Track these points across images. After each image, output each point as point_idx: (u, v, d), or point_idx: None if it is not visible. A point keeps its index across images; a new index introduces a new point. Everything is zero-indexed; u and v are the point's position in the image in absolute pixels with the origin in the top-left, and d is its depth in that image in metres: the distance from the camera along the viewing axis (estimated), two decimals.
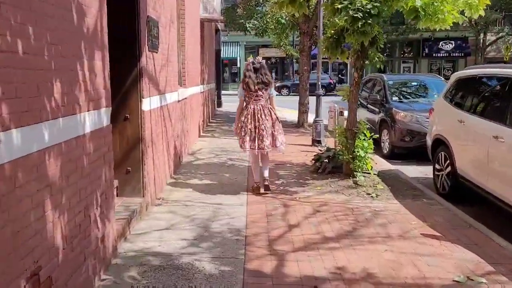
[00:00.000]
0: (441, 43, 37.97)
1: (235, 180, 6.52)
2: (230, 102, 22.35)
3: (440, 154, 6.37)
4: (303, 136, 11.13)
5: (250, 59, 6.07)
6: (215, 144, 9.56)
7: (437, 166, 6.46)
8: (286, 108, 20.22)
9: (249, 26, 13.23)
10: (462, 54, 38.05)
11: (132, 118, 4.71)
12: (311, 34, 12.27)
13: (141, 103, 4.72)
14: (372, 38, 5.94)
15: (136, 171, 4.78)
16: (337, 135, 6.73)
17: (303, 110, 12.53)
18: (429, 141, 6.91)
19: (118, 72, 4.43)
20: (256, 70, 5.80)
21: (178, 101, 7.13)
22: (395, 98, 9.70)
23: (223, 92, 31.83)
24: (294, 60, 39.70)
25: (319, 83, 9.70)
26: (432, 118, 7.02)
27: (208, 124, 12.64)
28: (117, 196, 4.76)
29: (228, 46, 39.08)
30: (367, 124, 7.32)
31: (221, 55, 39.66)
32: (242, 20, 13.20)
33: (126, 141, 4.73)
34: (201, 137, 10.39)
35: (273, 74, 40.97)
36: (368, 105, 10.75)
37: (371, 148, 6.60)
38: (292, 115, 16.66)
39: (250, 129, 5.65)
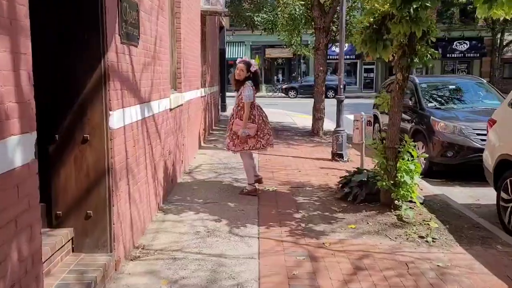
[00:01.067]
0: (455, 43, 36.34)
1: (242, 213, 5.04)
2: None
3: (509, 180, 4.88)
4: (319, 147, 9.63)
5: (255, 61, 6.01)
6: (217, 158, 8.09)
7: (503, 195, 4.97)
8: (295, 112, 18.72)
9: (257, 20, 11.74)
10: (478, 55, 36.43)
11: (94, 140, 3.25)
12: (328, 30, 10.78)
13: (107, 118, 3.26)
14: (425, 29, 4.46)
15: (101, 215, 3.31)
16: (375, 154, 5.23)
17: (318, 116, 11.04)
18: (489, 161, 5.41)
19: (66, 73, 2.99)
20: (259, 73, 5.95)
21: (171, 109, 5.67)
22: (431, 104, 8.19)
23: (228, 94, 30.53)
24: (302, 61, 38.28)
25: (341, 86, 8.21)
26: (493, 132, 5.51)
27: (211, 132, 11.18)
28: (72, 251, 3.30)
29: (233, 46, 37.71)
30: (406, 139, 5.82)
31: (226, 55, 38.40)
32: (250, 13, 11.70)
33: (85, 173, 3.27)
34: (201, 149, 8.92)
35: (280, 76, 39.53)
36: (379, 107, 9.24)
37: (418, 172, 5.10)
38: (303, 120, 15.16)
39: (268, 128, 5.87)
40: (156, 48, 4.81)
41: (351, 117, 17.73)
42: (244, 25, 12.24)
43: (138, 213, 4.10)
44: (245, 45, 37.74)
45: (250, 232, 4.44)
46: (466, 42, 36.04)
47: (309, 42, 13.43)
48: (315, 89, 11.12)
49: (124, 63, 3.63)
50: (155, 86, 4.75)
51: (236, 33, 37.44)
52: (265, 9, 11.77)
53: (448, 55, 36.65)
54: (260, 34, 37.16)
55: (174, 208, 5.12)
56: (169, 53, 6.10)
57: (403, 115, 8.84)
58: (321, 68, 10.87)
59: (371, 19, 4.55)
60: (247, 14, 11.74)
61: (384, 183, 4.98)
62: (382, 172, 5.08)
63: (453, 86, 8.76)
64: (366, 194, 5.37)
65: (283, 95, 33.29)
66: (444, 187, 6.84)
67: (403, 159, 5.09)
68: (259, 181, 6.06)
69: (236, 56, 37.81)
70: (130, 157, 3.80)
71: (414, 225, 4.62)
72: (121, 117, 3.53)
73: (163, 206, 5.16)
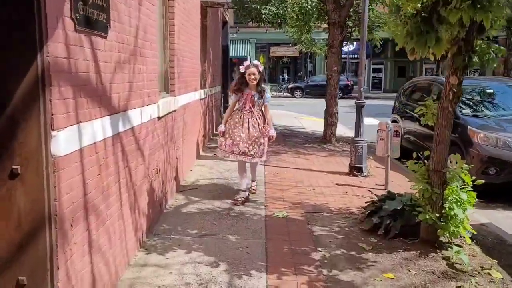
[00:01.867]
0: None
1: (245, 252, 3.96)
2: None
3: None
4: (333, 158, 8.54)
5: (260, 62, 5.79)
6: (217, 171, 7.01)
7: None
8: (302, 113, 17.60)
9: (264, 13, 10.65)
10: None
11: (28, 174, 2.19)
12: (343, 25, 9.69)
13: (47, 140, 2.20)
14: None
15: (39, 282, 2.25)
16: (416, 178, 4.15)
17: (331, 121, 9.94)
18: None
19: None
20: None
21: (159, 117, 4.60)
22: (466, 111, 7.08)
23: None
24: (309, 60, 37.13)
25: (362, 89, 7.09)
26: None
27: (212, 138, 10.11)
28: None
29: (237, 44, 36.61)
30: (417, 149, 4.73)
31: (229, 53, 37.36)
32: (256, 6, 10.58)
33: (15, 223, 2.21)
34: (200, 159, 7.86)
35: (285, 75, 38.39)
36: (421, 118, 8.13)
37: (472, 202, 4.01)
38: (312, 124, 14.06)
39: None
40: (137, 42, 3.74)
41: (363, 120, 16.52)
42: (250, 19, 11.12)
43: (107, 263, 3.04)
44: (249, 43, 36.64)
45: (257, 285, 3.36)
46: None
47: (315, 41, 12.25)
48: (327, 91, 10.04)
49: (81, 60, 2.56)
50: (135, 90, 3.68)
51: (240, 30, 36.36)
52: (273, 1, 10.67)
53: None
54: (266, 32, 36.07)
55: (160, 244, 4.05)
56: (159, 48, 5.03)
57: (426, 127, 7.77)
58: (335, 68, 9.78)
59: (419, 5, 3.47)
60: (253, 6, 10.63)
61: (427, 216, 3.90)
62: (424, 201, 4.00)
63: (491, 90, 7.63)
64: (401, 226, 4.29)
65: (289, 95, 32.18)
66: (485, 210, 5.76)
67: (450, 185, 4.00)
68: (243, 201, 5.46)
69: (240, 55, 36.71)
70: (91, 191, 2.73)
71: (472, 275, 3.53)
72: (75, 137, 2.46)
73: (146, 241, 4.09)
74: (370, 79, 37.98)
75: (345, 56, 36.33)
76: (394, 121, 9.49)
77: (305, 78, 35.35)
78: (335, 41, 9.66)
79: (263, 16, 10.73)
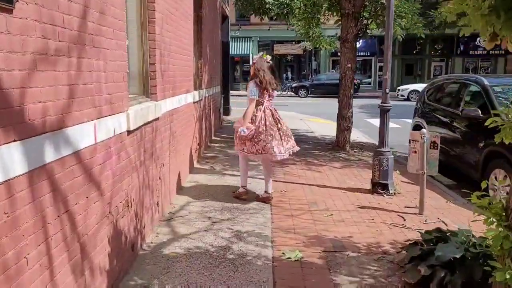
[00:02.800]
0: (478, 39, 33.72)
1: None
2: (242, 106, 18.27)
3: None
4: (350, 169, 7.33)
5: (261, 55, 5.37)
6: (214, 190, 5.81)
7: None
8: (308, 115, 16.37)
9: (268, 2, 9.43)
10: (502, 52, 33.81)
11: None
12: (358, 17, 8.48)
13: None
14: None
15: None
16: (486, 220, 2.95)
17: (345, 126, 8.74)
18: None
19: None
20: (273, 70, 5.28)
21: (130, 131, 3.42)
22: None
23: (232, 93, 28.23)
24: (313, 58, 35.86)
25: (387, 90, 5.88)
26: None
27: (209, 144, 8.93)
28: None
29: (239, 42, 35.45)
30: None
31: (231, 50, 36.20)
32: None
33: None
34: (194, 173, 6.67)
35: (289, 73, 37.15)
36: (454, 124, 6.93)
37: None
38: (320, 127, 12.85)
39: (276, 131, 5.07)
40: (87, 26, 2.56)
41: (373, 121, 15.28)
42: (252, 11, 9.91)
43: None
44: (252, 41, 35.46)
45: None
46: None
47: (324, 36, 11.01)
48: (340, 91, 8.83)
49: None
50: (83, 95, 2.50)
51: (242, 28, 35.17)
52: None
53: (470, 52, 34.14)
54: (269, 29, 34.87)
55: None
56: (135, 40, 3.87)
57: (465, 129, 6.56)
58: (349, 65, 8.57)
59: None
60: None
61: (508, 276, 2.69)
62: (502, 253, 2.79)
63: None
64: (462, 283, 3.10)
65: (293, 94, 30.97)
66: None
67: None
68: (266, 200, 5.34)
69: (242, 53, 35.50)
70: None
71: None
72: None
73: None
74: (377, 77, 36.72)
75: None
76: (417, 125, 8.30)
77: (310, 76, 34.13)
78: (348, 35, 8.45)
79: (267, 6, 9.50)
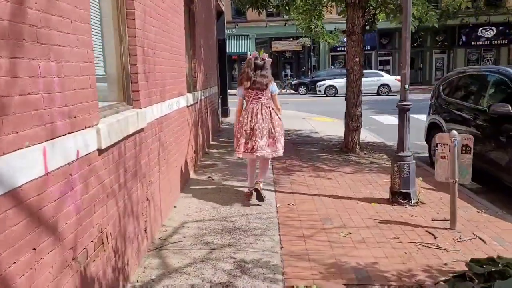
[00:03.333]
0: (480, 29, 33.05)
1: None
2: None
3: None
4: (362, 175, 6.62)
5: (255, 53, 5.33)
6: (212, 206, 5.10)
7: None
8: (310, 113, 15.65)
9: None
10: (505, 42, 33.09)
11: None
12: (365, 6, 7.77)
13: None
14: None
15: None
16: None
17: (353, 126, 8.03)
18: None
19: None
20: (256, 68, 5.13)
21: (102, 150, 2.72)
22: None
23: (230, 92, 27.43)
24: (312, 54, 35.09)
25: (407, 86, 5.17)
26: None
27: (207, 150, 8.23)
28: None
29: (236, 39, 34.73)
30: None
31: (228, 49, 35.38)
32: None
33: None
34: (190, 186, 5.97)
35: (288, 70, 36.38)
36: (478, 121, 6.23)
37: None
38: (324, 126, 12.15)
39: (245, 130, 5.10)
40: (25, 14, 1.86)
41: (379, 118, 14.56)
42: (249, 5, 9.19)
43: None
44: (249, 38, 34.74)
45: None
46: (492, 28, 32.74)
47: (327, 30, 10.28)
48: (347, 88, 8.12)
49: None
50: (20, 111, 1.81)
51: (239, 25, 34.42)
52: None
53: (472, 42, 33.40)
54: (266, 26, 34.09)
55: None
56: (111, 36, 3.17)
57: (491, 129, 5.86)
58: (357, 60, 7.86)
59: None
60: None
61: None
62: None
63: None
64: None
65: (293, 92, 30.26)
66: None
67: None
68: (248, 195, 5.34)
69: (240, 51, 34.74)
70: None
71: None
72: None
73: None
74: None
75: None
76: (432, 123, 7.61)
77: (310, 73, 33.41)
78: (355, 27, 7.74)
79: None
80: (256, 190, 5.12)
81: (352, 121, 8.01)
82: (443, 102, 7.45)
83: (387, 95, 25.69)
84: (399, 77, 26.50)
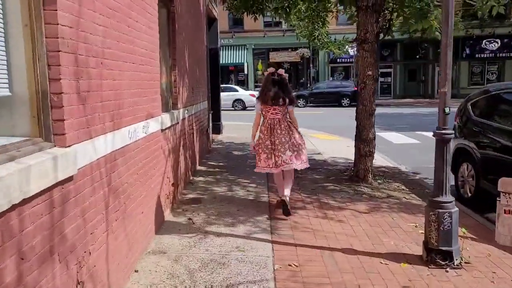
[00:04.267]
0: (484, 41, 32.05)
1: None
2: (237, 120, 16.32)
3: None
4: (381, 215, 5.32)
5: (272, 69, 5.44)
6: (186, 270, 3.76)
7: None
8: (310, 128, 14.38)
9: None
10: (510, 54, 32.06)
11: None
12: (380, 10, 6.56)
13: None
14: None
15: None
16: None
17: (365, 151, 6.77)
18: None
19: None
20: (275, 83, 5.24)
21: None
22: None
23: (225, 106, 26.20)
24: (311, 65, 33.97)
25: (447, 109, 3.91)
26: None
27: (192, 179, 6.94)
28: None
29: (233, 50, 33.64)
30: None
31: (224, 59, 34.27)
32: None
33: None
34: (162, 233, 4.67)
35: None
36: None
37: None
38: (327, 145, 10.88)
39: (266, 145, 5.20)
40: None
41: (386, 136, 13.34)
42: (244, 9, 7.97)
43: None
44: (246, 49, 33.64)
45: None
46: (497, 40, 31.77)
47: (328, 39, 9.05)
48: (358, 106, 6.87)
49: None
50: None
51: (236, 35, 33.32)
52: None
53: (477, 55, 32.37)
54: (264, 36, 33.03)
55: None
56: (21, 34, 1.91)
57: None
58: (370, 73, 6.64)
59: None
60: None
61: None
62: None
63: None
64: None
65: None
66: None
67: None
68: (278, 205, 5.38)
69: (236, 62, 33.60)
70: None
71: None
72: None
73: None
74: (378, 84, 34.81)
75: (349, 59, 33.29)
76: (460, 149, 6.35)
77: (308, 85, 32.27)
78: (368, 34, 6.52)
79: (263, 0, 7.53)
80: (284, 203, 5.16)
81: (364, 145, 6.74)
82: (474, 124, 6.20)
83: (243, 110, 25.52)
84: (254, 93, 25.58)
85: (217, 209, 5.41)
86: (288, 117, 5.30)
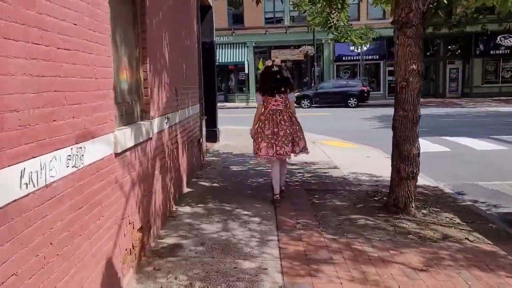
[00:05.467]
0: (499, 37, 30.24)
1: None
2: (237, 123, 14.51)
3: None
4: (444, 273, 3.55)
5: (268, 62, 5.69)
6: None
7: None
8: (319, 134, 12.64)
9: None
10: None
11: None
12: None
13: None
14: None
15: None
16: None
17: (408, 172, 5.01)
18: None
19: None
20: (274, 74, 5.44)
21: None
22: None
23: (227, 105, 24.66)
24: (316, 64, 32.20)
25: None
26: None
27: (175, 209, 5.22)
28: None
29: (233, 48, 31.92)
30: None
31: (224, 58, 32.45)
32: None
33: None
34: None
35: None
36: None
37: None
38: (345, 155, 9.12)
39: (267, 135, 5.34)
40: None
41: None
42: None
43: None
44: (247, 46, 31.93)
45: None
46: None
47: (349, 27, 7.26)
48: (397, 112, 5.13)
49: None
50: None
51: (236, 32, 31.59)
52: None
53: (491, 52, 30.58)
54: (265, 33, 31.30)
55: None
56: None
57: None
58: (414, 67, 4.91)
59: None
60: None
61: None
62: None
63: None
64: None
65: (295, 104, 27.29)
66: None
67: None
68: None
69: (237, 60, 31.83)
70: None
71: None
72: None
73: None
74: (386, 83, 33.17)
75: (355, 57, 31.44)
76: None
77: (313, 84, 30.53)
78: (412, 14, 4.81)
79: None
80: (281, 190, 5.59)
81: (406, 164, 5.01)
82: None
83: None
84: None
85: (206, 265, 3.69)
86: (289, 107, 5.44)
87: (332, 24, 6.97)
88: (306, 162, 8.39)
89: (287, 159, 5.58)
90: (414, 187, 5.12)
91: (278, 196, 5.47)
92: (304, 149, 5.52)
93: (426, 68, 33.69)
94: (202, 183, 6.62)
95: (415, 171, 5.06)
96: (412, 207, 5.09)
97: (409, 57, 4.92)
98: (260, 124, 5.40)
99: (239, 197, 5.83)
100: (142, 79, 4.05)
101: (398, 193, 5.12)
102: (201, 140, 7.77)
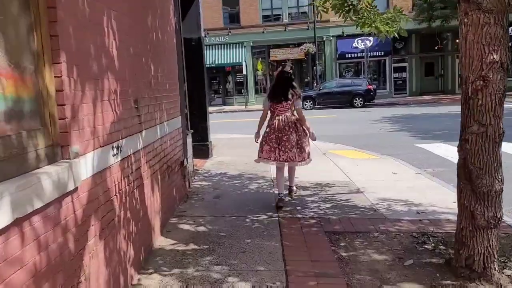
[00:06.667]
0: (510, 28, 28.48)
1: None
2: (234, 130, 12.75)
3: None
4: None
5: (281, 68, 5.70)
6: None
7: None
8: (329, 142, 10.86)
9: None
10: None
11: None
12: None
13: None
14: None
15: None
16: None
17: (487, 218, 3.28)
18: None
19: None
20: (286, 80, 5.50)
21: None
22: None
23: (225, 108, 22.98)
24: (317, 62, 30.43)
25: None
26: None
27: (137, 280, 3.50)
28: None
29: (229, 48, 30.20)
30: None
31: (219, 59, 30.75)
32: None
33: None
34: None
35: None
36: None
37: None
38: (360, 171, 7.29)
39: (271, 138, 5.39)
40: None
41: (434, 148, 9.90)
42: None
43: None
44: (244, 46, 30.19)
45: None
46: None
47: (373, 12, 5.50)
48: (470, 125, 3.38)
49: None
50: None
51: (232, 32, 29.85)
52: None
53: None
54: (263, 32, 29.50)
55: None
56: None
57: None
58: (495, 57, 3.20)
59: None
60: None
61: None
62: None
63: None
64: None
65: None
66: None
67: None
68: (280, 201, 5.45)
69: (234, 61, 30.04)
70: None
71: None
72: None
73: None
74: (392, 80, 31.44)
75: (359, 54, 29.66)
76: None
77: (315, 84, 28.79)
78: None
79: None
80: (290, 189, 5.87)
81: (486, 206, 3.28)
82: None
83: None
84: None
85: None
86: (295, 113, 5.48)
87: (350, 7, 5.23)
88: (319, 184, 6.66)
89: (293, 165, 5.56)
90: (497, 240, 3.39)
91: (282, 195, 5.45)
92: (307, 158, 5.54)
93: (433, 63, 32.09)
94: (184, 226, 4.86)
95: (498, 216, 3.32)
96: (495, 269, 3.36)
97: (486, 42, 3.19)
98: (267, 129, 5.49)
99: (234, 251, 4.09)
100: (50, 91, 2.32)
101: (472, 249, 3.38)
102: (184, 162, 6.03)
